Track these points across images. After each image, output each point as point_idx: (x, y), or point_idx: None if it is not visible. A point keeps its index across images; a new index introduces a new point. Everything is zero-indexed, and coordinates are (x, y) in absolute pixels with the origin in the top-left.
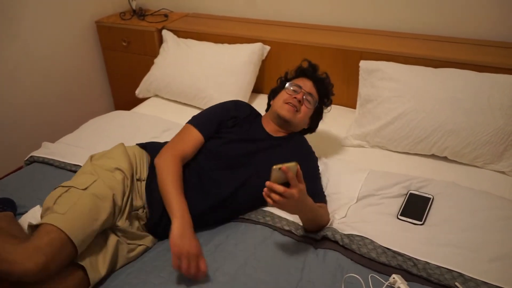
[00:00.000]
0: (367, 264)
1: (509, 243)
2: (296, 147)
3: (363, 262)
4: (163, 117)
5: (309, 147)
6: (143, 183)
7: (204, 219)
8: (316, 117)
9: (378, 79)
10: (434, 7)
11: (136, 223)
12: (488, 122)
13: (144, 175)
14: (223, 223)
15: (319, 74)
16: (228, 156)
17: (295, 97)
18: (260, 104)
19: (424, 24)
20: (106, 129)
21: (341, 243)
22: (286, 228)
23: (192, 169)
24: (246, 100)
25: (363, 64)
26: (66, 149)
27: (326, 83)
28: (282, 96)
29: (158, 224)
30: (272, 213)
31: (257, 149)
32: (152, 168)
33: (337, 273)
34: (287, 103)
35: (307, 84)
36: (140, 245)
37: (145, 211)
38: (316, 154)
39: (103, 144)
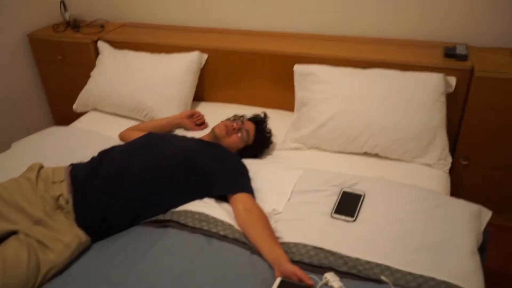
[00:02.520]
0: (303, 267)
1: (432, 232)
2: (216, 147)
3: (298, 266)
4: (103, 131)
5: (232, 154)
6: (62, 183)
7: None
8: (250, 151)
9: (311, 82)
10: (361, 11)
11: (60, 216)
12: (412, 119)
13: (62, 177)
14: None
15: (264, 125)
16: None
17: (232, 125)
18: (201, 112)
19: (353, 27)
20: (41, 146)
21: None
22: (222, 233)
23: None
24: (188, 108)
25: (297, 68)
26: None
27: (265, 133)
28: (225, 121)
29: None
30: (207, 215)
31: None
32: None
33: (271, 278)
34: (224, 125)
35: (250, 125)
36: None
37: (69, 202)
38: (255, 160)
39: (35, 161)
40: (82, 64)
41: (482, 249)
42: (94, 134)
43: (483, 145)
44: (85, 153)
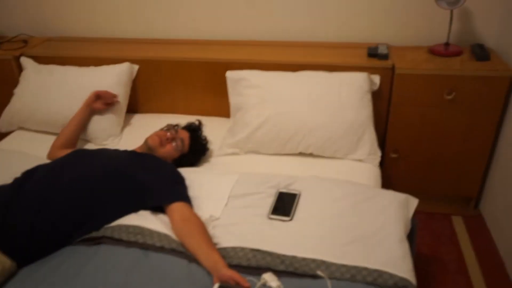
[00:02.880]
0: (241, 270)
1: (363, 224)
2: (148, 157)
3: (236, 269)
4: (31, 150)
5: (165, 163)
6: None
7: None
8: (186, 160)
9: (244, 87)
10: (287, 16)
11: None
12: (341, 117)
13: None
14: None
15: (199, 133)
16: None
17: (166, 134)
18: (136, 124)
19: (281, 32)
20: None
21: None
22: (158, 244)
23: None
24: (121, 121)
25: (229, 74)
26: None
27: (200, 140)
28: (158, 131)
29: (17, 242)
30: (142, 228)
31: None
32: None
33: (211, 285)
34: (157, 135)
35: (184, 133)
36: None
37: None
38: (192, 168)
39: None
40: (5, 81)
41: (412, 236)
42: (19, 154)
43: (409, 138)
44: (10, 175)
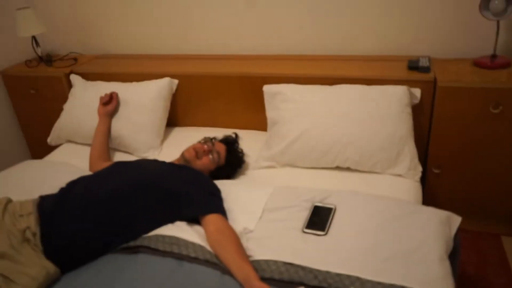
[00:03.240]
0: (273, 283)
1: (401, 241)
2: (185, 169)
3: (269, 282)
4: (76, 162)
5: (202, 175)
6: (30, 216)
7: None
8: (222, 172)
9: (281, 101)
10: (325, 30)
11: (28, 249)
12: (379, 131)
13: (30, 210)
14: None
15: (235, 145)
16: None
17: (202, 147)
18: (175, 137)
19: (318, 46)
20: (12, 180)
21: None
22: (193, 255)
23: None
24: (161, 134)
25: (266, 88)
26: None
27: (237, 153)
28: (195, 144)
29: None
30: (177, 238)
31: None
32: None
33: None
34: (194, 148)
35: (220, 146)
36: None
37: (36, 235)
38: (228, 181)
39: (6, 195)
40: (55, 98)
41: (454, 255)
42: (66, 166)
43: (453, 153)
44: (56, 186)
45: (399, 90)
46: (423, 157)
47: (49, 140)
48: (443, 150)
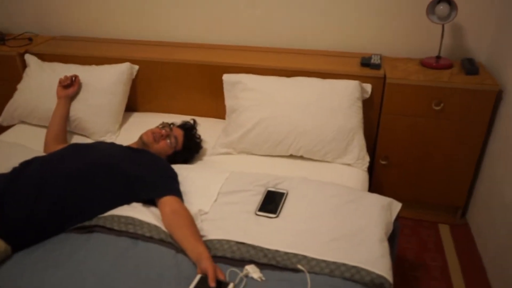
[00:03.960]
0: (225, 261)
1: (346, 224)
2: (142, 152)
3: (221, 260)
4: (30, 144)
5: (159, 158)
6: None
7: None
8: (180, 157)
9: (240, 90)
10: (285, 24)
11: None
12: (331, 122)
13: None
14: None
15: (193, 131)
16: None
17: (160, 132)
18: (134, 122)
19: (278, 39)
20: None
21: None
22: (148, 234)
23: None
24: (119, 118)
25: (226, 77)
26: None
27: (194, 138)
28: (153, 128)
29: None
30: (133, 218)
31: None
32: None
33: (194, 275)
34: (152, 132)
35: (178, 131)
36: None
37: None
38: (185, 165)
39: None
40: (8, 77)
41: (393, 238)
42: (19, 146)
43: (399, 146)
44: (8, 166)
45: (351, 85)
46: (372, 148)
47: (0, 120)
48: (390, 143)
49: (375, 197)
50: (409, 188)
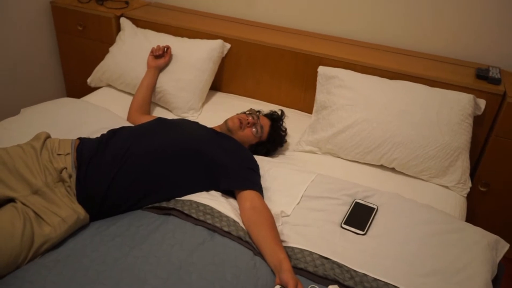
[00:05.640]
0: (306, 275)
1: (443, 258)
2: (228, 139)
3: (301, 273)
4: (114, 109)
5: (244, 148)
6: (68, 156)
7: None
8: (262, 148)
9: (335, 86)
10: (394, 20)
11: (61, 189)
12: (435, 137)
13: (68, 150)
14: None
15: (279, 123)
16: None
17: (247, 119)
18: (217, 102)
19: (384, 35)
20: (51, 116)
21: None
22: (226, 229)
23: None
24: (203, 98)
25: (321, 70)
26: (3, 133)
27: (280, 131)
28: (239, 114)
29: (92, 198)
30: (212, 208)
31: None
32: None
33: (272, 284)
34: (239, 118)
35: (265, 121)
36: (60, 216)
37: (72, 177)
38: (267, 158)
39: (43, 130)
40: (102, 39)
41: (495, 283)
42: (106, 111)
43: (505, 174)
44: (94, 129)
45: (465, 98)
46: (471, 172)
47: (89, 80)
48: (495, 169)
49: (480, 231)
50: (507, 222)
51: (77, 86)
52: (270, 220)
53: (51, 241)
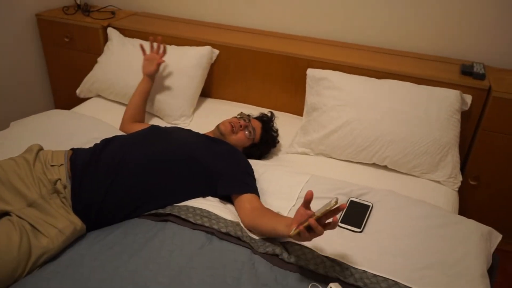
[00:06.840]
0: (306, 274)
1: (440, 251)
2: (222, 144)
3: (302, 272)
4: (105, 119)
5: (238, 152)
6: (61, 167)
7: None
8: (256, 151)
9: (324, 87)
10: (378, 20)
11: (56, 200)
12: (425, 133)
13: (61, 161)
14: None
15: (270, 124)
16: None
17: (239, 122)
18: (208, 108)
19: (370, 36)
20: (40, 128)
21: (280, 256)
22: (224, 230)
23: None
24: (194, 104)
25: (310, 72)
26: None
27: (272, 132)
28: (230, 118)
29: (88, 208)
30: (209, 212)
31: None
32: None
33: (273, 283)
34: (230, 122)
35: (256, 123)
36: (56, 228)
37: (66, 188)
38: (260, 160)
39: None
40: (89, 49)
41: (491, 273)
42: (96, 121)
43: (494, 167)
44: (86, 139)
45: (452, 94)
46: (461, 166)
47: (78, 91)
48: (484, 162)
49: (474, 224)
50: (499, 214)
51: (66, 98)
52: (272, 211)
53: (49, 253)
